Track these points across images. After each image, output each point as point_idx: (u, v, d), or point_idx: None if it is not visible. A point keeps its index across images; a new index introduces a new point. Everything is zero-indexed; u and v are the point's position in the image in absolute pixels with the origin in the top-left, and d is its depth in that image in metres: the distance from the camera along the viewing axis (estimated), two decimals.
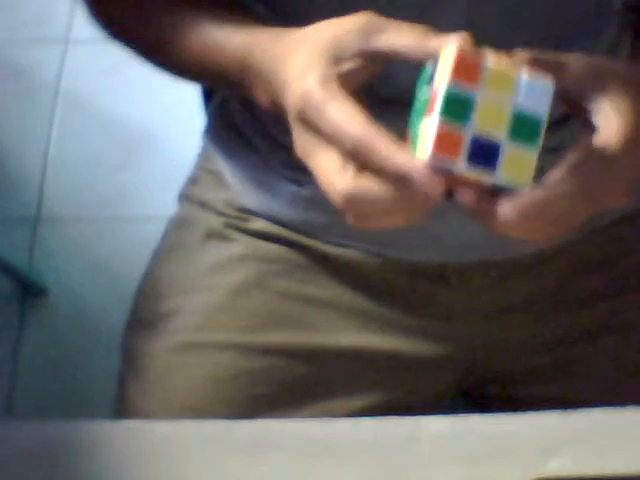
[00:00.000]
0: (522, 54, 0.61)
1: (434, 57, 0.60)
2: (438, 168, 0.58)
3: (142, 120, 1.91)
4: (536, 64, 0.60)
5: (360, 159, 0.59)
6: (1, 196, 1.84)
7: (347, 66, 0.62)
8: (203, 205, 0.95)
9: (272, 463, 0.73)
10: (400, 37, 0.61)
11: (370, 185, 0.59)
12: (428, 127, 0.58)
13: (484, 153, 0.58)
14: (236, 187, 0.93)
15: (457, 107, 0.58)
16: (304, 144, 0.62)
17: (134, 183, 1.84)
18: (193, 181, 0.99)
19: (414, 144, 0.60)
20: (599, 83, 0.62)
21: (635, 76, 0.64)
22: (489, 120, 0.58)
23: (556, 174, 0.60)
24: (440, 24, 0.62)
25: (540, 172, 0.60)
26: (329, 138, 0.60)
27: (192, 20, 0.77)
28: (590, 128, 0.62)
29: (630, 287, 0.91)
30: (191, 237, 0.94)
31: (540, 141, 0.59)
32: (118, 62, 1.64)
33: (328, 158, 0.61)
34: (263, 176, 0.90)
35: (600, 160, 0.61)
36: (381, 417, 0.75)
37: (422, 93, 0.61)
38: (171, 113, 1.88)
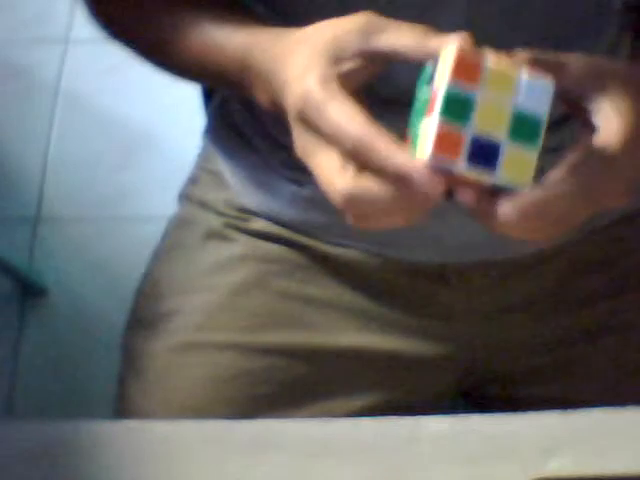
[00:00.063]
0: (522, 54, 0.61)
1: (434, 57, 0.60)
2: (438, 168, 0.58)
3: (142, 120, 1.91)
4: (536, 64, 0.60)
5: (360, 159, 0.59)
6: (1, 196, 1.84)
7: (347, 66, 0.62)
8: (203, 205, 0.95)
9: (272, 463, 0.73)
10: (400, 37, 0.61)
11: (370, 185, 0.59)
12: (428, 127, 0.58)
13: (484, 153, 0.58)
14: (236, 187, 0.93)
15: (457, 107, 0.58)
16: (304, 144, 0.62)
17: (134, 183, 1.84)
18: (193, 181, 0.99)
19: (414, 144, 0.60)
20: (599, 83, 0.62)
21: (635, 76, 0.64)
22: (489, 120, 0.58)
23: (556, 174, 0.60)
24: (440, 24, 0.62)
25: (540, 172, 0.60)
26: (329, 138, 0.60)
27: (192, 20, 0.77)
28: (590, 128, 0.62)
29: (630, 287, 0.91)
30: (191, 237, 0.94)
31: (540, 141, 0.59)
32: (118, 62, 1.64)
33: (328, 158, 0.61)
34: (263, 176, 0.90)
35: (600, 160, 0.61)
36: (381, 417, 0.75)
37: (422, 93, 0.61)
38: (171, 113, 1.88)
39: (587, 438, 0.72)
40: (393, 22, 0.62)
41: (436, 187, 0.58)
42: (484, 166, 0.58)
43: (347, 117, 0.59)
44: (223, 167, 0.94)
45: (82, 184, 1.85)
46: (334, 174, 0.60)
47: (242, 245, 0.92)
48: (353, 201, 0.60)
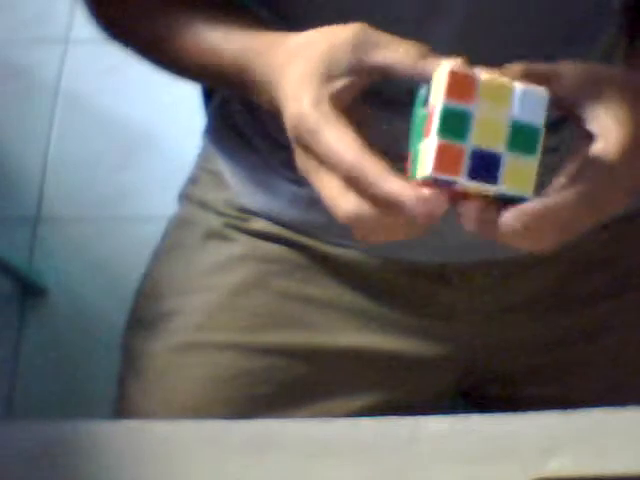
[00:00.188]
0: (515, 67, 0.61)
1: (428, 80, 0.60)
2: (439, 185, 0.58)
3: (142, 120, 1.91)
4: (529, 77, 0.60)
5: (354, 185, 0.60)
6: (1, 196, 1.84)
7: (339, 84, 0.62)
8: (203, 205, 0.95)
9: (272, 463, 0.73)
10: (394, 55, 0.62)
11: (371, 207, 0.60)
12: (427, 147, 0.59)
13: (485, 166, 0.59)
14: (236, 187, 0.93)
15: (454, 124, 0.58)
16: (305, 164, 0.63)
17: (134, 183, 1.84)
18: (193, 181, 0.99)
19: (414, 165, 0.60)
20: (595, 90, 0.62)
21: (632, 82, 0.64)
22: (487, 134, 0.59)
23: (557, 183, 0.61)
24: (436, 36, 0.63)
25: (540, 172, 0.60)
26: (326, 164, 0.61)
27: (186, 21, 0.78)
28: (586, 136, 0.62)
29: (631, 287, 0.91)
30: (191, 237, 0.94)
31: (539, 150, 0.59)
32: (118, 62, 1.64)
33: (329, 179, 0.61)
34: (263, 176, 0.90)
35: (600, 169, 0.61)
36: (381, 417, 0.75)
37: (418, 116, 0.62)
38: (171, 113, 1.88)
39: (587, 438, 0.72)
40: (386, 36, 0.62)
41: (431, 212, 0.58)
42: (485, 179, 0.59)
43: (339, 143, 0.60)
44: (223, 167, 0.94)
45: (82, 184, 1.85)
46: (337, 196, 0.61)
47: (242, 245, 0.92)
48: (357, 221, 0.61)
